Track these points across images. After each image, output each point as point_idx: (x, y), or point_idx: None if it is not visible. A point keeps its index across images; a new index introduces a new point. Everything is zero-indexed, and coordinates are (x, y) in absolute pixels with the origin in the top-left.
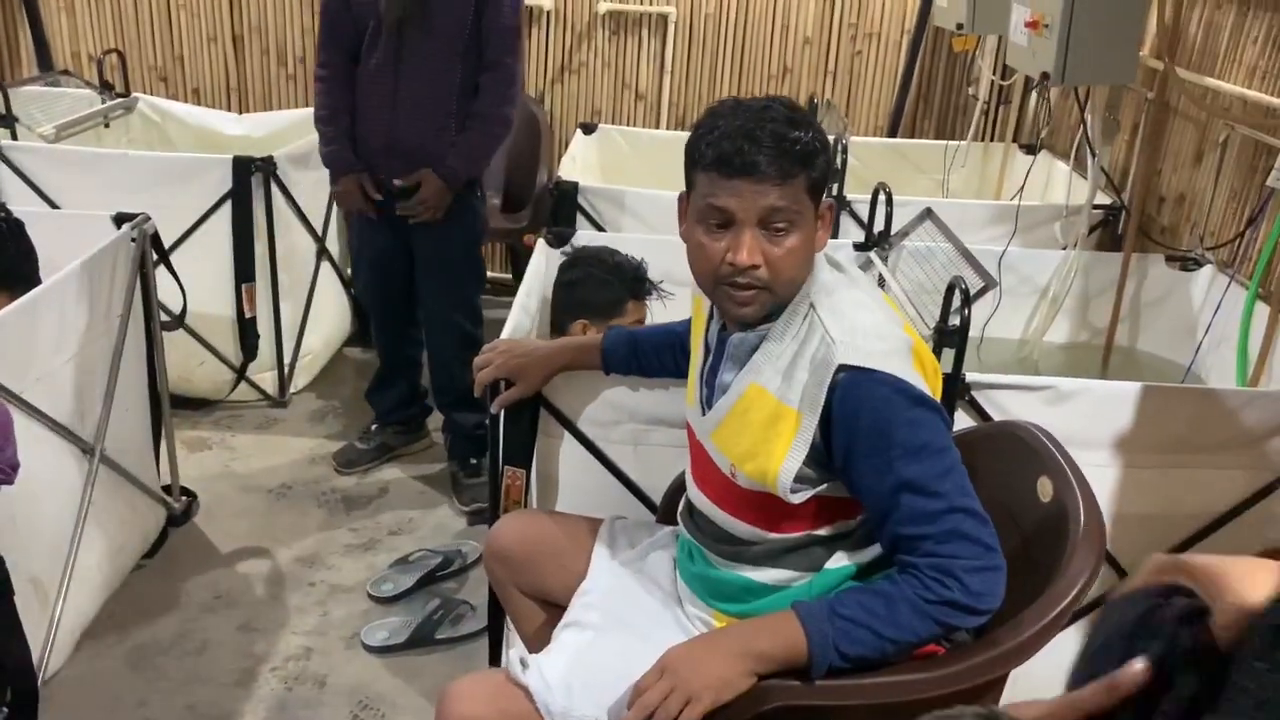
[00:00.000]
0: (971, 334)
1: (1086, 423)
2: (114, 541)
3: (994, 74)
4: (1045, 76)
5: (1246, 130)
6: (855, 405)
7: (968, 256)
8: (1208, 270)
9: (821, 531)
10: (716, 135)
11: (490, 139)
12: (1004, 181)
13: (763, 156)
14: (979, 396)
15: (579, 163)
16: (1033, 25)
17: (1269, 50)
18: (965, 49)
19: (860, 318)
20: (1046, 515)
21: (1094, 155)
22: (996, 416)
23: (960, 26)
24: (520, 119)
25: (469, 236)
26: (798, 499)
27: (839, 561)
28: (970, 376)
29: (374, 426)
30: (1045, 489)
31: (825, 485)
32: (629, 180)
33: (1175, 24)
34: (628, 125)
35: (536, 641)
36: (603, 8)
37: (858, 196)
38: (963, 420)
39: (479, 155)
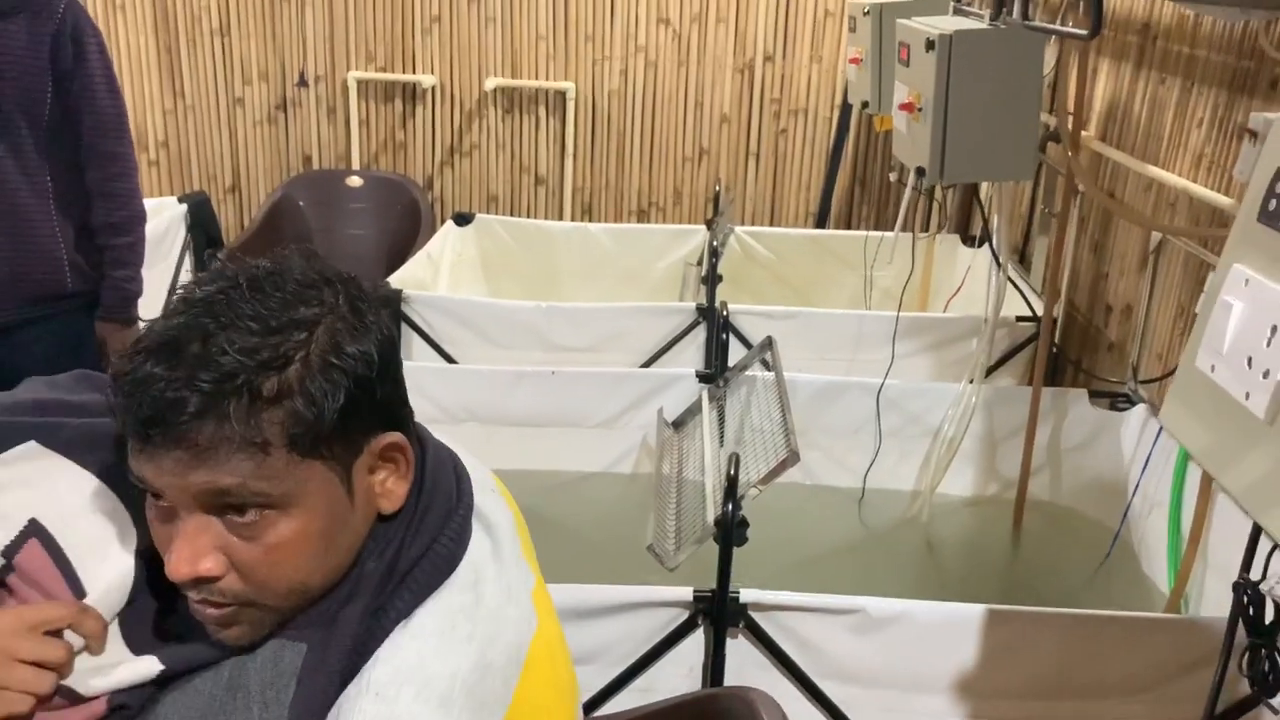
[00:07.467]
0: (850, 485)
1: (915, 657)
2: None
3: None
4: (921, 172)
5: (1178, 240)
6: None
7: (784, 409)
8: (1140, 411)
9: None
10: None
11: (137, 249)
12: (939, 280)
13: (182, 405)
14: (762, 620)
15: (446, 262)
16: (907, 108)
17: (1214, 135)
18: (887, 128)
19: (436, 650)
20: None
21: (999, 265)
22: (789, 648)
23: (866, 105)
24: (397, 207)
25: (76, 364)
26: None
27: None
28: (747, 595)
29: None
30: None
31: None
32: (514, 281)
33: (1080, 95)
34: (528, 213)
35: None
36: (491, 84)
37: (744, 307)
38: (742, 651)
39: (136, 273)
